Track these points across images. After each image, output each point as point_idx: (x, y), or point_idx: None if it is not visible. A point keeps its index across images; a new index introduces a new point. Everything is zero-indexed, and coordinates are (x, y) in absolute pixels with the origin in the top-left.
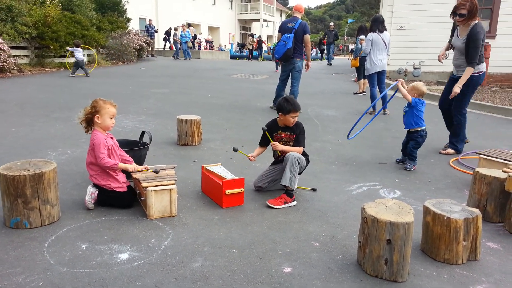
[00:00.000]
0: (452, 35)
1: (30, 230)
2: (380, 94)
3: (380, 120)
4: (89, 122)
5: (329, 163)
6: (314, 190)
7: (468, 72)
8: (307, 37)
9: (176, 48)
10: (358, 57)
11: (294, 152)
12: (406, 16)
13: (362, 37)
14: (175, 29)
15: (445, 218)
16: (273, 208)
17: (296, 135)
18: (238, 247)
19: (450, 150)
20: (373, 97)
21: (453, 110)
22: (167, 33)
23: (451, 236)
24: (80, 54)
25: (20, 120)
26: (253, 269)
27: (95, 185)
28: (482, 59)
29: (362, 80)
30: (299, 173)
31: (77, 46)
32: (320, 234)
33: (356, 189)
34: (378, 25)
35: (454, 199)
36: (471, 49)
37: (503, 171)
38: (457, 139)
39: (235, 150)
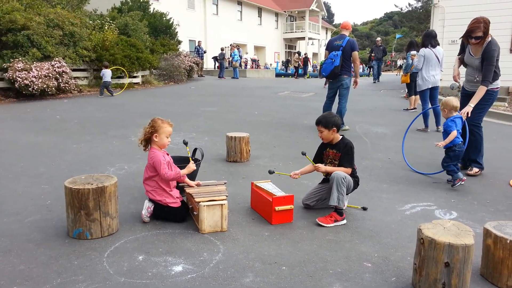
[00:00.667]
0: (460, 52)
1: (91, 240)
2: (433, 110)
3: (434, 137)
4: (148, 140)
5: (380, 182)
6: (365, 209)
7: (481, 91)
8: (355, 54)
9: (222, 68)
10: (409, 73)
11: (339, 171)
12: (458, 30)
13: (413, 52)
14: (222, 49)
15: (508, 241)
16: (323, 226)
17: (341, 154)
18: (288, 265)
19: (476, 170)
20: (425, 115)
21: (469, 124)
22: (221, 55)
23: None
24: (109, 75)
25: (81, 138)
26: (304, 287)
27: (151, 200)
28: (496, 76)
29: (413, 97)
30: (347, 194)
31: (106, 67)
32: (373, 254)
33: (409, 209)
34: (430, 40)
35: None
36: (485, 67)
37: None
38: (478, 156)
39: (270, 172)
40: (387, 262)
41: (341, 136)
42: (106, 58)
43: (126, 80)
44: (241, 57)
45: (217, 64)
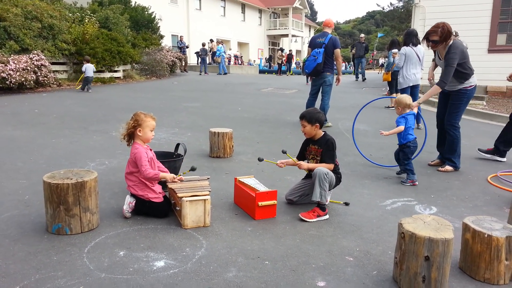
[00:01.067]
0: (435, 55)
1: (70, 236)
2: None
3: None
4: (131, 135)
5: (361, 177)
6: (347, 204)
7: (433, 90)
8: (338, 51)
9: (203, 63)
10: (390, 71)
11: (322, 167)
12: None
13: (395, 50)
14: (203, 45)
15: (486, 235)
16: (306, 221)
17: (323, 150)
18: (271, 259)
19: (448, 167)
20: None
21: (446, 123)
22: (203, 50)
23: (492, 254)
24: (91, 70)
25: (60, 132)
26: (287, 281)
27: (132, 195)
28: (468, 75)
29: (394, 94)
30: (330, 189)
31: (87, 61)
32: (354, 249)
33: (390, 204)
34: (412, 38)
35: (494, 217)
36: (444, 68)
37: None
38: (454, 155)
39: (260, 160)
40: (369, 256)
41: (323, 132)
42: (86, 51)
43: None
44: (225, 52)
45: (199, 60)
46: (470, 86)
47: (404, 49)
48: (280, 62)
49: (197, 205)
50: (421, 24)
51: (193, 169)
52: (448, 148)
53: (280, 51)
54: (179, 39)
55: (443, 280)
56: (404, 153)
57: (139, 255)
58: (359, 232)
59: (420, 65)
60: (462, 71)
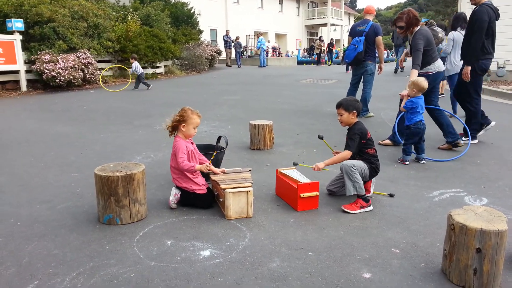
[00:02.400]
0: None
1: (121, 226)
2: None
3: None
4: (175, 128)
5: (406, 168)
6: (391, 196)
7: (412, 74)
8: (379, 38)
9: (238, 57)
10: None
11: (346, 161)
12: None
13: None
14: (237, 38)
15: None
16: (349, 212)
17: (346, 138)
18: (314, 250)
19: (445, 145)
20: (454, 100)
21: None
22: (237, 44)
23: None
24: (140, 67)
25: (107, 128)
26: (331, 272)
27: (177, 187)
28: (432, 59)
29: (441, 82)
30: (366, 180)
31: (135, 59)
32: (400, 241)
33: (438, 195)
34: (460, 22)
35: None
36: (412, 53)
37: None
38: (445, 133)
39: (295, 164)
40: (416, 248)
41: (357, 121)
42: (130, 49)
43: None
44: (264, 45)
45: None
46: (429, 72)
47: (452, 34)
48: (318, 52)
49: (240, 197)
50: (468, 8)
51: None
52: (440, 128)
53: (319, 40)
54: (225, 34)
55: (496, 273)
56: (407, 134)
57: (185, 244)
58: (405, 224)
59: None
60: (424, 57)
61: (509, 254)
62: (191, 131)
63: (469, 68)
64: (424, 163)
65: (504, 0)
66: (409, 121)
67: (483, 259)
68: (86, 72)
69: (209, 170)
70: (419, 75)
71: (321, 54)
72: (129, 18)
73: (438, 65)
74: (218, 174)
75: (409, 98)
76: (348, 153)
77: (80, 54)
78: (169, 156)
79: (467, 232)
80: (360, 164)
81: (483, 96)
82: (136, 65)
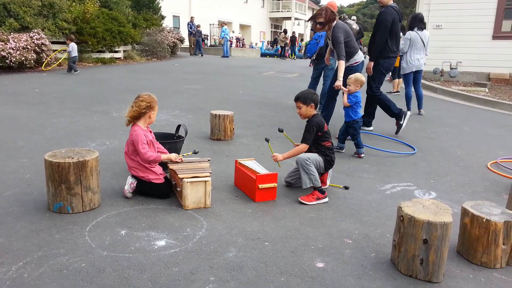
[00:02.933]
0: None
1: (72, 215)
2: (416, 94)
3: (416, 120)
4: (137, 117)
5: (362, 162)
6: (346, 188)
7: (340, 66)
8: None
9: (198, 45)
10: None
11: (302, 154)
12: (443, 15)
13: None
14: (197, 26)
15: (484, 220)
16: (306, 204)
17: (304, 130)
18: (270, 240)
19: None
20: (408, 97)
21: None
22: (198, 32)
23: (489, 239)
24: (76, 50)
25: (61, 112)
26: (286, 262)
27: (134, 176)
28: (352, 53)
29: (397, 80)
30: (322, 172)
31: (72, 41)
32: (353, 231)
33: (390, 188)
34: (417, 23)
35: (493, 203)
36: (335, 46)
37: None
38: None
39: (267, 140)
40: (367, 238)
41: (315, 114)
42: (87, 31)
43: (63, 55)
44: (228, 35)
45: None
46: (356, 62)
47: (409, 33)
48: (283, 45)
49: (198, 187)
50: (426, 9)
51: (195, 152)
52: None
53: (283, 33)
54: (190, 21)
55: (440, 263)
56: (355, 128)
57: (140, 234)
58: (358, 216)
59: (424, 50)
60: (346, 49)
61: (452, 245)
62: (154, 118)
63: (372, 63)
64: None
65: (457, 5)
66: (355, 115)
67: (429, 249)
68: (41, 53)
69: (178, 160)
70: (347, 67)
71: (286, 47)
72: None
73: (361, 55)
74: (177, 162)
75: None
76: (304, 146)
77: (34, 34)
78: (125, 144)
79: (415, 223)
80: (315, 157)
81: (436, 96)
82: (73, 46)
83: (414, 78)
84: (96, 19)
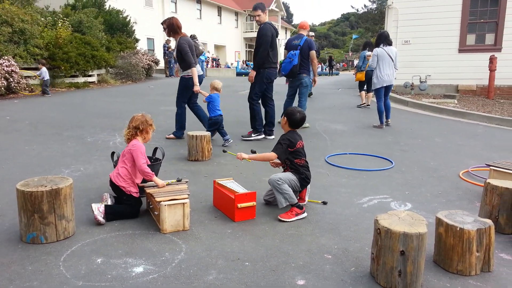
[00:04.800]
0: None
1: (46, 245)
2: (384, 105)
3: (389, 133)
4: (136, 134)
5: (339, 176)
6: (325, 203)
7: (193, 72)
8: (313, 53)
9: (169, 66)
10: (364, 71)
11: (273, 175)
12: (411, 31)
13: (368, 53)
14: (167, 43)
15: (458, 229)
16: (285, 221)
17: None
18: (251, 260)
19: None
20: (380, 112)
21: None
22: (169, 53)
23: (464, 247)
24: (47, 74)
25: (34, 139)
26: (267, 281)
27: (101, 203)
28: (187, 67)
29: (363, 92)
30: (298, 190)
31: (44, 65)
32: (333, 246)
33: (366, 202)
34: (382, 40)
35: (466, 211)
36: (184, 56)
37: None
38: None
39: (224, 151)
40: (347, 253)
41: (291, 130)
42: (60, 56)
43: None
44: (204, 55)
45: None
46: (188, 75)
47: (376, 50)
48: None
49: (176, 209)
50: (394, 26)
51: (179, 180)
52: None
53: None
54: (165, 42)
55: (418, 273)
56: (213, 123)
57: (117, 261)
58: (337, 230)
59: (393, 66)
60: (180, 62)
61: (429, 256)
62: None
63: (255, 72)
64: (230, 141)
65: (423, 21)
66: (211, 113)
67: (406, 260)
68: (11, 80)
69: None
70: (181, 77)
71: None
72: (59, 25)
73: (197, 70)
74: (163, 186)
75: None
76: (273, 154)
77: (3, 61)
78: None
79: (391, 235)
80: (287, 176)
81: (408, 109)
82: (44, 70)
83: (385, 92)
84: (68, 44)
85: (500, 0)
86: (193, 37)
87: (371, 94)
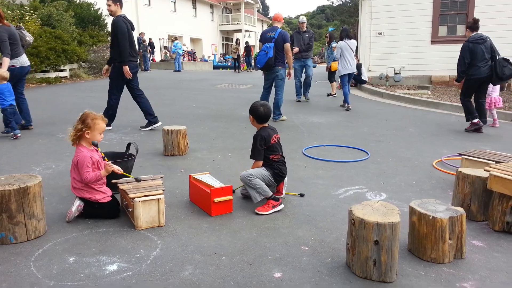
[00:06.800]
0: None
1: (15, 245)
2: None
3: (364, 124)
4: (79, 137)
5: (316, 169)
6: (302, 195)
7: (4, 61)
8: (287, 45)
9: (145, 60)
10: (337, 61)
11: (245, 171)
12: (384, 23)
13: (334, 44)
14: (141, 36)
15: (431, 217)
16: (262, 214)
17: None
18: (227, 254)
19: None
20: (345, 94)
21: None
22: (143, 46)
23: (437, 235)
24: None
25: (3, 136)
26: (243, 275)
27: (80, 198)
28: (16, 55)
29: (334, 83)
30: (271, 185)
31: None
32: (309, 238)
33: (343, 193)
34: (344, 34)
35: (439, 199)
36: (0, 44)
37: (485, 170)
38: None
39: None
40: (323, 244)
41: (261, 127)
42: (29, 50)
43: None
44: (180, 49)
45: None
46: (13, 66)
47: (340, 43)
48: (236, 57)
49: (150, 205)
50: (368, 18)
51: (138, 180)
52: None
53: (234, 44)
54: (139, 35)
55: (392, 262)
56: (4, 115)
57: (90, 260)
58: (313, 222)
59: (353, 56)
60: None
61: (403, 245)
62: (96, 137)
63: (126, 67)
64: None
65: (396, 12)
66: (2, 105)
67: (380, 250)
68: None
69: (113, 170)
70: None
71: (240, 59)
72: (27, 18)
73: (22, 61)
74: (116, 171)
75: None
76: (256, 162)
77: None
78: None
79: (365, 225)
80: (258, 171)
81: (383, 100)
82: None
83: (348, 78)
84: (38, 38)
85: None
86: (18, 27)
87: (335, 83)
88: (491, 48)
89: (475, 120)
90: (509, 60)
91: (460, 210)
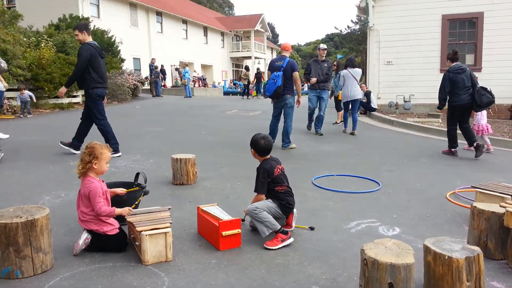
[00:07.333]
0: None
1: (22, 280)
2: (352, 118)
3: (375, 153)
4: (89, 169)
5: (326, 199)
6: (312, 229)
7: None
8: (296, 74)
9: (156, 86)
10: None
11: (250, 205)
12: (393, 51)
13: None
14: (155, 67)
15: (446, 257)
16: (271, 249)
17: None
18: None
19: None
20: (345, 119)
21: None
22: (155, 73)
23: (453, 276)
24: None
25: (15, 164)
26: None
27: (88, 230)
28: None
29: (341, 112)
30: (279, 217)
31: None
32: (320, 277)
33: (354, 226)
34: (349, 63)
35: (454, 235)
36: None
37: (501, 206)
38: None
39: (243, 220)
40: (335, 284)
41: (263, 160)
42: (43, 77)
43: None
44: (164, 71)
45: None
46: None
47: (343, 71)
48: (246, 83)
49: (158, 239)
50: (376, 46)
51: (146, 193)
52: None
53: (244, 70)
54: (150, 62)
55: None
56: None
57: None
58: (324, 258)
59: (356, 84)
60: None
61: (419, 285)
62: (104, 167)
63: (63, 87)
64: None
65: (404, 42)
66: None
67: None
68: None
69: (131, 213)
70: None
71: (249, 85)
72: (42, 45)
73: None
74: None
75: None
76: (258, 195)
77: None
78: None
79: (378, 266)
80: (264, 204)
81: (393, 128)
82: (29, 93)
83: (352, 105)
84: (52, 64)
85: (477, 23)
86: None
87: (340, 113)
88: (471, 77)
89: (454, 150)
90: (487, 88)
91: (477, 249)
